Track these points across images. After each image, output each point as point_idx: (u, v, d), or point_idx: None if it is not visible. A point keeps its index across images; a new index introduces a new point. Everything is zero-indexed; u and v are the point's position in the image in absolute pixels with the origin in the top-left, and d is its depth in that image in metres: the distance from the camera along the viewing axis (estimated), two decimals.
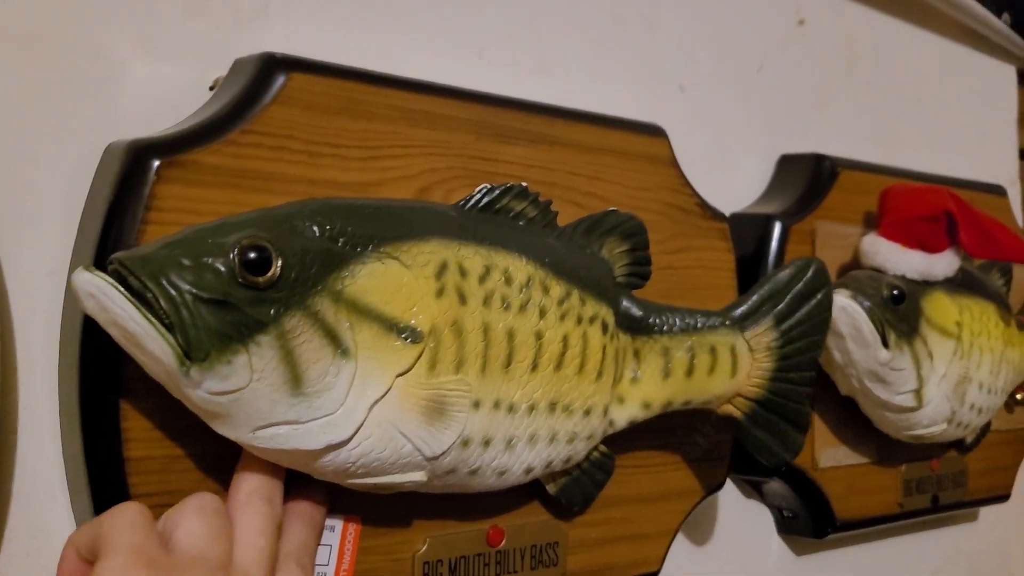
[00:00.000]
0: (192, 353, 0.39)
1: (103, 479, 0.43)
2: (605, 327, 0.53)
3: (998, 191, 0.97)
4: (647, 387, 0.56)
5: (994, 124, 1.09)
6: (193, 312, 0.39)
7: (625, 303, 0.56)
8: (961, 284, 0.77)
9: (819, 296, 0.59)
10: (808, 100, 0.86)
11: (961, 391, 0.74)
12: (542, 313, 0.50)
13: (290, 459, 0.44)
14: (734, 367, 0.58)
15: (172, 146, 0.45)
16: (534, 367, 0.50)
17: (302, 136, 0.49)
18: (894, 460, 0.81)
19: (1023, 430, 0.95)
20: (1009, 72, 1.10)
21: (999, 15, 1.08)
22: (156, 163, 0.44)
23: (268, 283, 0.41)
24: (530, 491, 0.56)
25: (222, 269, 0.40)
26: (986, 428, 0.88)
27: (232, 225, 0.42)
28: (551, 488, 0.56)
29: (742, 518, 0.79)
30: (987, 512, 1.01)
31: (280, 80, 0.49)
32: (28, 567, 0.45)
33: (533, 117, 0.57)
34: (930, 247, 0.72)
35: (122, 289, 0.38)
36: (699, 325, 0.57)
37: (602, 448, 0.57)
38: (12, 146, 0.46)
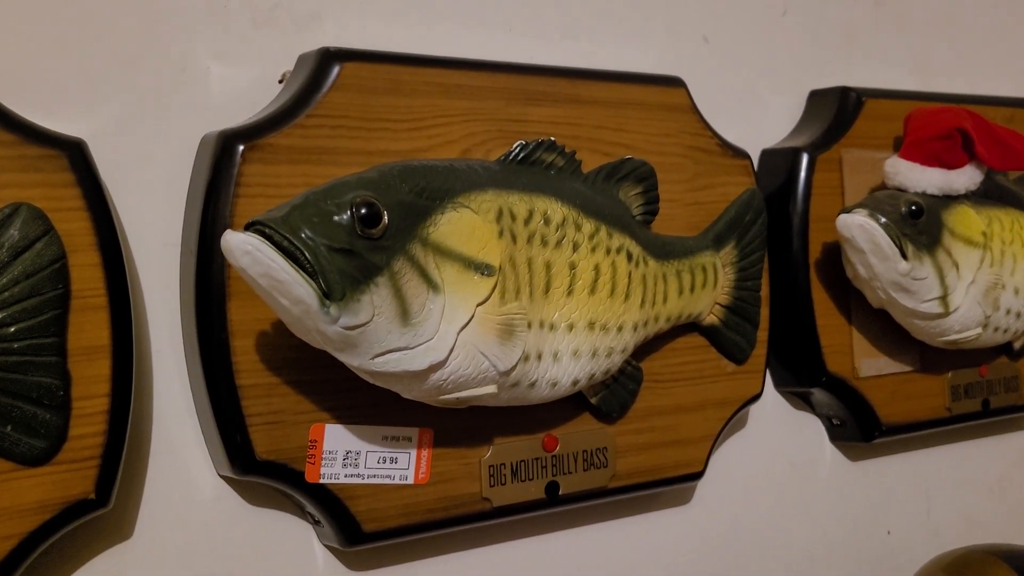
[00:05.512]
0: (331, 295, 0.47)
1: (222, 403, 0.54)
2: (630, 256, 0.62)
3: None
4: (671, 304, 0.65)
5: None
6: (330, 260, 0.47)
7: (647, 236, 0.64)
8: (990, 196, 0.82)
9: (761, 218, 0.73)
10: (837, 37, 0.91)
11: (993, 297, 0.79)
12: (575, 247, 0.59)
13: (398, 380, 0.53)
14: (716, 281, 0.69)
15: (253, 133, 0.55)
16: (569, 292, 0.59)
17: (357, 115, 0.58)
18: (940, 368, 0.86)
19: None
20: None
21: None
22: (241, 148, 0.54)
23: (380, 233, 0.49)
24: (578, 406, 0.65)
25: (346, 224, 0.48)
26: None
27: (341, 187, 0.49)
28: (593, 400, 0.65)
29: (796, 429, 0.85)
30: None
31: (335, 70, 0.58)
32: (169, 477, 0.57)
33: (556, 80, 0.66)
34: (948, 164, 0.77)
35: (272, 245, 0.46)
36: (694, 249, 0.67)
37: (632, 362, 0.65)
38: (130, 146, 0.57)
